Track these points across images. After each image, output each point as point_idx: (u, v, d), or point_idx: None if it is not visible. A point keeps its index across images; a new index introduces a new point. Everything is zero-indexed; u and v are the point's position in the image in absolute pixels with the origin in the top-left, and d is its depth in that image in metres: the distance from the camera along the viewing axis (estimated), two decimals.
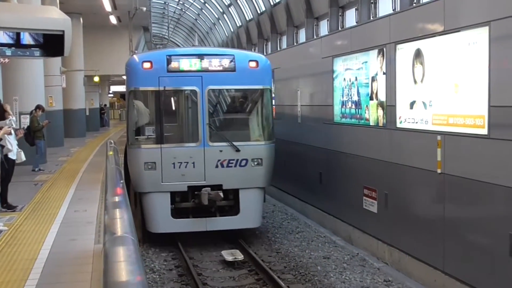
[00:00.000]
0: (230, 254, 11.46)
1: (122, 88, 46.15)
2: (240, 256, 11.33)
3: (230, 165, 12.31)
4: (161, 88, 12.25)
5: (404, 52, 10.69)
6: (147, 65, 12.23)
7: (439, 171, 9.60)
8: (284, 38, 28.83)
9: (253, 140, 12.60)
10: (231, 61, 12.45)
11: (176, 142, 12.35)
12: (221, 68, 12.40)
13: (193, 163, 12.17)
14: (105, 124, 38.55)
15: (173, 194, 12.36)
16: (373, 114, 11.95)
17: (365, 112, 12.27)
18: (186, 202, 12.48)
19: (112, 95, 55.90)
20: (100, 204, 9.40)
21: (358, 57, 12.54)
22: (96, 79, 29.41)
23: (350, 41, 13.17)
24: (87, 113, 30.67)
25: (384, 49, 11.38)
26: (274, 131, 12.91)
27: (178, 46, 58.91)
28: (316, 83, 15.30)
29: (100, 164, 14.62)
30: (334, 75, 13.77)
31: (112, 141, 13.51)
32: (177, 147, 12.26)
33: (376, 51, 11.72)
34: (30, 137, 14.46)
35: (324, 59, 14.36)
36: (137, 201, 13.10)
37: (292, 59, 17.43)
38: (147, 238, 12.71)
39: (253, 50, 33.58)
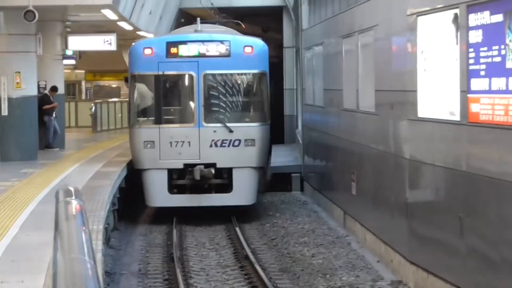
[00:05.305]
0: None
1: (97, 41, 27.33)
2: None
3: (223, 145, 20.04)
4: (160, 73, 20.25)
5: None
6: (148, 51, 20.32)
7: None
8: None
9: (247, 122, 20.47)
10: (226, 47, 20.25)
11: (173, 123, 20.75)
12: (217, 54, 20.23)
13: (189, 142, 20.05)
14: (51, 142, 25.60)
15: (171, 172, 20.23)
16: None
17: None
18: (182, 179, 20.41)
19: (73, 61, 33.53)
20: None
21: None
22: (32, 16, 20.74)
23: None
24: (5, 112, 22.15)
25: None
26: (269, 113, 20.72)
27: None
28: None
29: (39, 255, 11.19)
30: None
31: (71, 189, 7.82)
32: (174, 127, 20.45)
33: None
34: None
35: None
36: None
37: None
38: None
39: None
